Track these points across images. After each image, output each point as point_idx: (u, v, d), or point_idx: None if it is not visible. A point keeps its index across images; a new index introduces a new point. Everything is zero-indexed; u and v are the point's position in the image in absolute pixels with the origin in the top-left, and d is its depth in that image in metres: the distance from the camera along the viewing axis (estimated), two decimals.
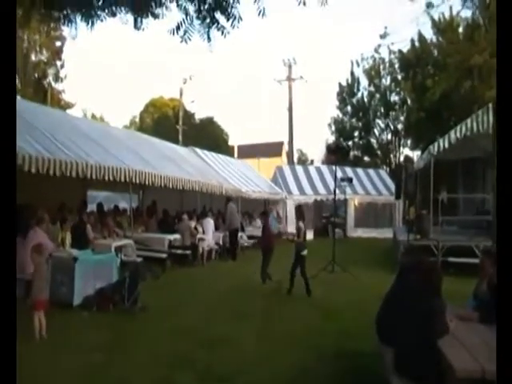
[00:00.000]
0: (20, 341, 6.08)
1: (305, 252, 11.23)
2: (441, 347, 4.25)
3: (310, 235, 27.27)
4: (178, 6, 6.53)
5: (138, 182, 12.02)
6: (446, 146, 14.03)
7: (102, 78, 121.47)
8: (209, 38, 6.53)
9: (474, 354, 4.02)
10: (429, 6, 21.91)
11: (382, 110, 44.47)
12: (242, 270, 15.06)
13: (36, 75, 39.06)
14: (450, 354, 4.08)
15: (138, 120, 66.72)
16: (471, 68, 26.09)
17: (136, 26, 6.76)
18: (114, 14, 6.72)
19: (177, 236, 15.17)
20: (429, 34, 35.87)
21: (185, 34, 6.39)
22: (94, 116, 57.49)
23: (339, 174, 25.06)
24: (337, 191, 15.96)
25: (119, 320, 8.33)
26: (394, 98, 43.73)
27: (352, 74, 45.52)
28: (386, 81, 43.94)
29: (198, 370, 5.92)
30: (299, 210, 11.97)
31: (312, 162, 66.44)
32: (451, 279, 9.47)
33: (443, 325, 4.46)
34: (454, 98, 28.62)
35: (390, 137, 45.53)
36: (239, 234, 18.73)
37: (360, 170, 32.05)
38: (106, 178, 10.75)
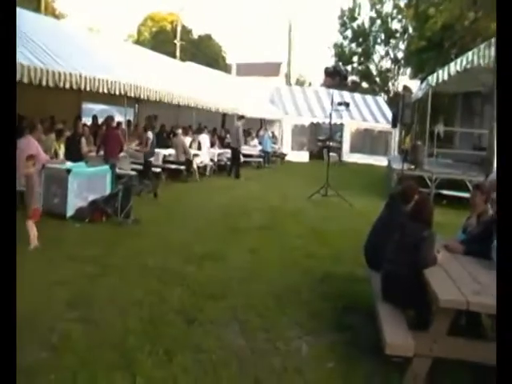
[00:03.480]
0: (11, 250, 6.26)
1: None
2: (428, 276, 4.31)
3: (305, 157, 27.47)
4: None
5: (132, 95, 11.84)
6: (446, 77, 13.82)
7: None
8: None
9: (459, 286, 4.06)
10: None
11: (383, 37, 43.89)
12: (235, 186, 15.22)
13: None
14: (435, 283, 4.12)
15: (135, 33, 65.06)
16: None
17: None
18: None
19: (171, 151, 15.16)
20: None
21: None
22: (90, 28, 55.98)
23: (337, 98, 24.84)
24: (333, 115, 15.83)
25: (111, 232, 8.40)
26: (396, 25, 42.98)
27: None
28: (388, 7, 42.91)
29: (189, 285, 6.04)
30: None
31: (310, 84, 65.51)
32: (443, 211, 9.61)
33: (431, 255, 4.52)
34: (457, 29, 27.94)
35: (389, 64, 45.19)
36: None
37: (358, 96, 31.71)
38: (100, 90, 10.55)
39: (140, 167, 12.90)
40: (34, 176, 7.33)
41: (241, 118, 18.22)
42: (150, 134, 13.34)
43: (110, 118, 12.13)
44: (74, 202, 9.02)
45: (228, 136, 21.43)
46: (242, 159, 18.78)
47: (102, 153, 11.46)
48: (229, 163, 18.26)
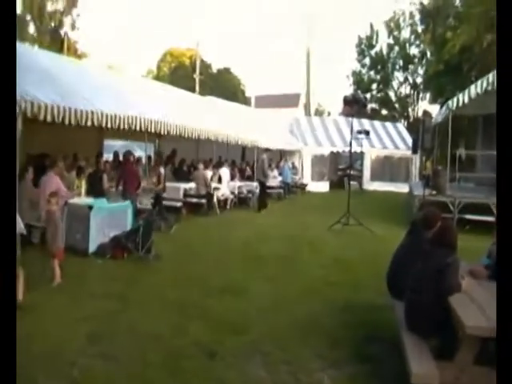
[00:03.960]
0: (34, 288, 6.32)
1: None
2: (451, 304, 4.25)
3: (325, 187, 27.42)
4: None
5: (153, 130, 11.98)
6: (466, 100, 13.71)
7: (119, 28, 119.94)
8: None
9: (484, 312, 4.00)
10: None
11: (401, 63, 43.99)
12: (257, 219, 15.20)
13: (52, 24, 38.75)
14: (460, 311, 4.07)
15: (154, 69, 66.21)
16: (494, 19, 25.31)
17: None
18: None
19: (192, 185, 15.22)
20: None
21: None
22: (110, 66, 57.13)
23: (356, 127, 24.87)
24: (353, 144, 15.82)
25: (132, 268, 8.45)
26: (414, 50, 43.18)
27: (371, 25, 44.65)
28: (406, 33, 43.15)
29: (211, 318, 6.01)
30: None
31: (329, 114, 65.81)
32: (467, 236, 9.46)
33: (456, 282, 4.45)
34: (475, 51, 27.90)
35: (408, 90, 45.12)
36: (254, 184, 18.80)
37: (377, 123, 31.72)
38: (122, 127, 10.69)
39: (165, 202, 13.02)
40: (57, 214, 7.42)
41: (266, 150, 18.35)
42: (162, 170, 13.48)
43: (128, 153, 12.26)
44: (96, 238, 9.11)
45: (248, 168, 21.56)
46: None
47: (120, 188, 11.59)
48: (249, 196, 18.29)
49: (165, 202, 13.38)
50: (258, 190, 18.42)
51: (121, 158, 15.14)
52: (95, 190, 10.98)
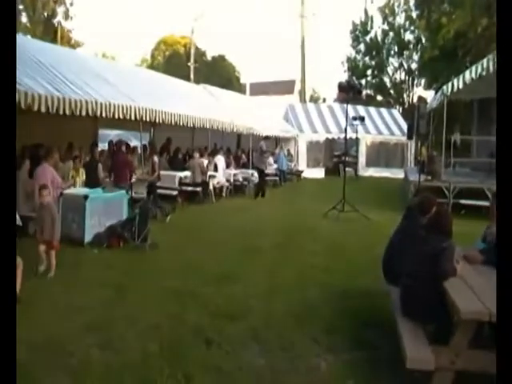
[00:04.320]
0: (30, 277, 6.31)
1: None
2: (447, 289, 4.27)
3: (321, 174, 27.45)
4: None
5: (148, 119, 11.95)
6: (461, 86, 13.73)
7: (112, 16, 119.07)
8: None
9: (480, 296, 4.02)
10: None
11: (396, 49, 43.91)
12: (252, 206, 15.22)
13: (45, 14, 38.46)
14: (455, 295, 4.08)
15: (149, 58, 65.88)
16: (489, 4, 25.20)
17: None
18: None
19: (187, 173, 15.22)
20: None
21: None
22: (104, 55, 56.82)
23: (351, 113, 24.87)
24: (348, 130, 15.78)
25: (128, 257, 8.45)
26: (409, 36, 43.10)
27: (366, 11, 44.51)
28: (401, 19, 43.05)
29: (208, 306, 6.03)
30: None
31: (324, 100, 65.66)
32: (463, 221, 9.50)
33: (451, 266, 4.47)
34: (470, 37, 27.84)
35: (403, 76, 45.14)
36: (250, 171, 18.85)
37: (372, 109, 31.75)
38: (116, 116, 10.67)
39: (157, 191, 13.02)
40: (52, 205, 7.43)
41: (265, 138, 18.36)
42: (156, 158, 13.48)
43: (119, 142, 12.23)
44: (92, 227, 9.10)
45: (243, 156, 21.57)
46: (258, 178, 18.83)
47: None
48: (245, 183, 18.37)
49: (160, 191, 13.37)
50: (253, 178, 18.46)
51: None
52: (90, 179, 10.97)
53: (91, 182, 10.80)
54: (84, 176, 11.12)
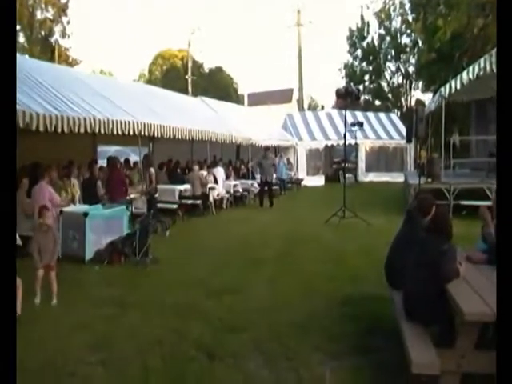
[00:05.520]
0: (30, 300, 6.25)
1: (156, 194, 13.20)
2: (450, 290, 4.25)
3: (321, 181, 27.46)
4: None
5: (147, 134, 11.97)
6: (458, 87, 13.71)
7: (109, 33, 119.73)
8: None
9: (483, 297, 4.00)
10: None
11: (393, 53, 43.95)
12: (252, 217, 15.20)
13: (42, 33, 38.65)
14: (458, 297, 4.07)
15: (146, 73, 66.09)
16: (484, 4, 25.29)
17: None
18: None
19: (187, 186, 15.21)
20: None
21: None
22: (102, 71, 57.02)
23: (350, 119, 24.88)
24: (347, 136, 15.80)
25: (130, 272, 8.44)
26: (405, 40, 43.16)
27: (362, 17, 44.66)
28: (397, 23, 43.13)
29: (210, 319, 6.01)
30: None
31: (323, 107, 65.80)
32: (464, 222, 9.48)
33: (453, 268, 4.45)
34: (466, 38, 27.90)
35: (400, 80, 45.17)
36: (250, 182, 18.90)
37: (371, 114, 31.76)
38: (115, 132, 10.69)
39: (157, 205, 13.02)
40: (52, 228, 7.14)
41: (266, 149, 18.40)
42: (152, 170, 13.52)
43: (112, 159, 12.24)
44: (93, 244, 9.08)
45: (243, 166, 21.61)
46: (259, 188, 18.84)
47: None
48: (245, 194, 18.49)
49: (161, 205, 13.37)
50: (253, 188, 18.51)
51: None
52: (90, 196, 10.98)
53: (91, 198, 10.80)
54: (83, 193, 11.13)
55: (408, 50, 42.94)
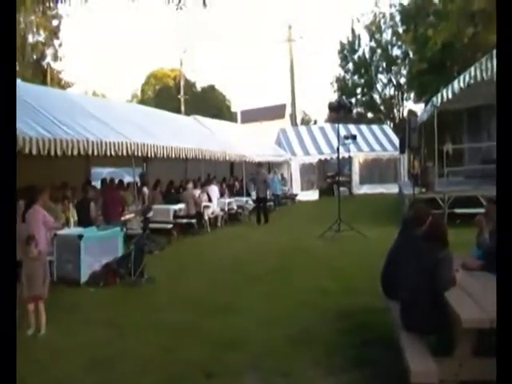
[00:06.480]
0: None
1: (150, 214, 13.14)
2: (447, 298, 4.24)
3: (315, 195, 27.48)
4: None
5: (140, 154, 11.98)
6: (450, 96, 13.75)
7: (101, 54, 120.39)
8: (204, 4, 6.44)
9: (480, 304, 3.99)
10: None
11: (384, 65, 44.24)
12: (247, 234, 15.16)
13: (34, 56, 38.72)
14: (456, 304, 4.06)
15: (139, 93, 66.30)
16: (474, 14, 25.53)
17: None
18: None
19: (181, 206, 15.23)
20: None
21: (180, 2, 6.30)
22: (94, 93, 57.15)
23: (343, 132, 24.97)
24: (341, 149, 15.81)
25: (126, 293, 8.40)
26: (396, 51, 43.43)
27: (353, 30, 44.98)
28: (387, 35, 43.44)
29: (206, 338, 5.97)
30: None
31: (315, 122, 66.02)
32: (459, 230, 9.46)
33: (450, 276, 4.44)
34: (456, 47, 28.12)
35: (392, 91, 45.34)
36: (244, 199, 18.90)
37: (364, 127, 31.86)
38: (108, 153, 10.69)
39: (152, 225, 13.03)
40: (42, 258, 6.76)
41: (259, 165, 18.40)
42: (146, 189, 13.52)
43: (105, 181, 12.26)
44: (88, 267, 9.05)
45: (236, 184, 21.62)
46: (252, 205, 18.84)
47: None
48: (239, 211, 18.43)
49: (155, 225, 13.37)
50: (247, 205, 18.52)
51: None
52: (84, 218, 10.95)
53: (85, 220, 10.78)
54: (76, 215, 11.11)
55: (399, 61, 43.23)
